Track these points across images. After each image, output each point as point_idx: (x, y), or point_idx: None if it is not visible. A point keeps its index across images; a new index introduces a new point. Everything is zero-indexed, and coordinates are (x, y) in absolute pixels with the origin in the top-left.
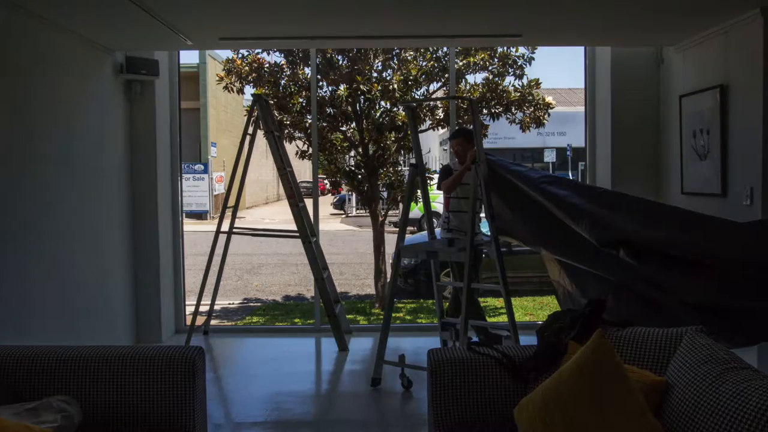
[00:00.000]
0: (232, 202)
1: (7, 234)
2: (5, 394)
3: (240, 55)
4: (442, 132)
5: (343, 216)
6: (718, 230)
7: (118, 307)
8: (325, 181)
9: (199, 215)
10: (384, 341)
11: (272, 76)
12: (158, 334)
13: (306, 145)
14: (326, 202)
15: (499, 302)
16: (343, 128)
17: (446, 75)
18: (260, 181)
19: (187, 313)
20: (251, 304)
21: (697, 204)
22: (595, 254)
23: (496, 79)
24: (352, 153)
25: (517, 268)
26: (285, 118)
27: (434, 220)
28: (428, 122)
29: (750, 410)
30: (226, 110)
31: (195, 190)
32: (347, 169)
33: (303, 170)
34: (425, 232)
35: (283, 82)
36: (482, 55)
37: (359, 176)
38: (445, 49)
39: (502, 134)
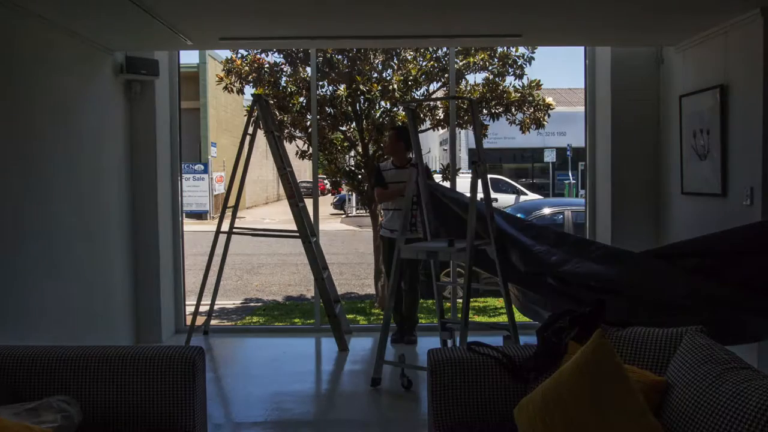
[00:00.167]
0: (232, 202)
1: (6, 234)
2: (5, 394)
3: (240, 55)
4: (442, 132)
5: (343, 216)
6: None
7: (118, 307)
8: (325, 181)
9: (199, 215)
10: (384, 341)
11: (272, 76)
12: (158, 334)
13: (306, 145)
14: (326, 202)
15: (499, 302)
16: (343, 128)
17: (446, 75)
18: (260, 181)
19: (187, 313)
20: (251, 304)
21: (697, 204)
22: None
23: (497, 79)
24: (352, 153)
25: None
26: (285, 118)
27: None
28: (428, 122)
29: (750, 410)
30: (226, 110)
31: (195, 190)
32: (347, 169)
33: (303, 170)
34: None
35: (283, 82)
36: (482, 55)
37: (359, 176)
38: (445, 49)
39: (502, 134)
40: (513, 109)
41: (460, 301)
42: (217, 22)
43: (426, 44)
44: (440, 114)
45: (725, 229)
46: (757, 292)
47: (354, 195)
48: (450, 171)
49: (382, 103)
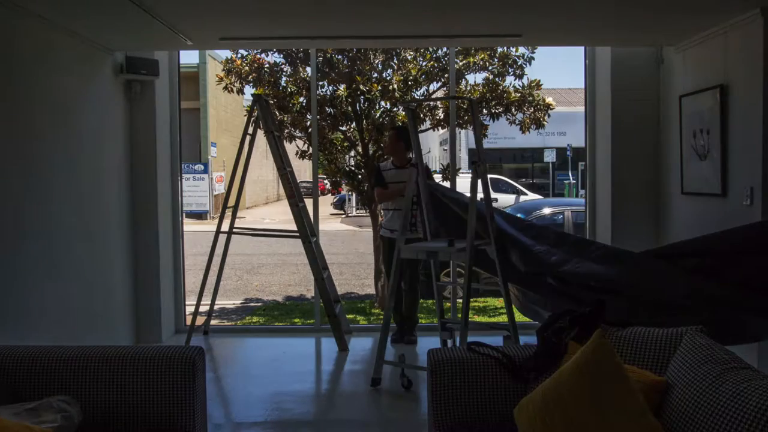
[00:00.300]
0: (232, 202)
1: (6, 234)
2: (5, 394)
3: (240, 55)
4: (442, 132)
5: (343, 216)
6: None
7: (118, 307)
8: (325, 181)
9: (199, 215)
10: (384, 341)
11: (272, 76)
12: (158, 334)
13: (306, 145)
14: (326, 202)
15: (499, 302)
16: (343, 128)
17: (446, 75)
18: (260, 181)
19: (187, 313)
20: (251, 304)
21: (697, 204)
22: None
23: (497, 79)
24: (352, 153)
25: None
26: (285, 118)
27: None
28: (428, 122)
29: (750, 410)
30: (226, 110)
31: (195, 190)
32: (347, 169)
33: (303, 170)
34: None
35: (283, 82)
36: (482, 55)
37: (359, 176)
38: (445, 49)
39: (502, 134)
40: (513, 109)
41: (460, 301)
42: (217, 22)
43: (426, 44)
44: (440, 114)
45: (725, 229)
46: (756, 292)
47: (354, 195)
48: (450, 171)
49: (382, 103)
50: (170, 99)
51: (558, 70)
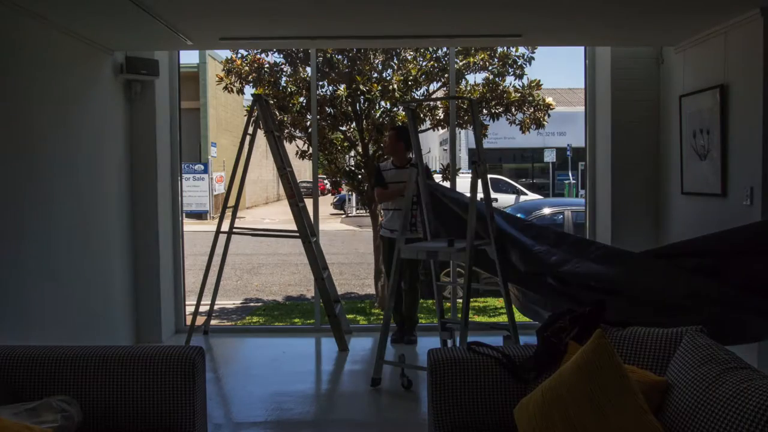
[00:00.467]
0: (232, 202)
1: (6, 234)
2: (5, 394)
3: (240, 55)
4: (442, 132)
5: (343, 216)
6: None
7: (118, 307)
8: (325, 181)
9: (199, 215)
10: (384, 341)
11: (272, 76)
12: (158, 334)
13: (306, 145)
14: (326, 202)
15: (499, 302)
16: (343, 128)
17: (446, 75)
18: (260, 181)
19: (187, 313)
20: (251, 304)
21: (697, 204)
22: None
23: (497, 79)
24: (352, 153)
25: None
26: (285, 118)
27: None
28: (428, 122)
29: (750, 410)
30: (226, 110)
31: (195, 190)
32: (347, 169)
33: (303, 170)
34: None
35: (283, 82)
36: (482, 55)
37: (359, 176)
38: (445, 49)
39: (502, 134)
40: (513, 109)
41: (460, 300)
42: (217, 22)
43: (426, 44)
44: (440, 114)
45: (725, 229)
46: (757, 293)
47: (354, 195)
48: (450, 171)
49: (382, 103)
50: (170, 99)
51: (558, 70)
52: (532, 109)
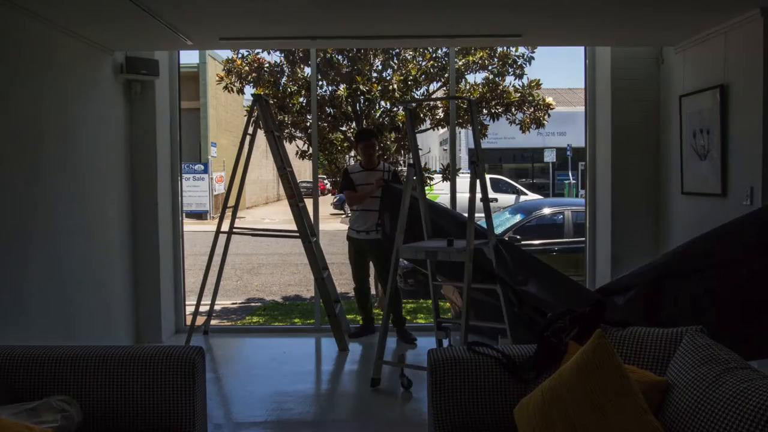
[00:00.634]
0: (232, 202)
1: (6, 234)
2: (5, 394)
3: (240, 55)
4: (442, 132)
5: (343, 216)
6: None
7: (118, 307)
8: (325, 181)
9: (199, 215)
10: (383, 341)
11: (272, 76)
12: (158, 334)
13: (306, 145)
14: (326, 202)
15: None
16: (343, 128)
17: (446, 75)
18: (260, 181)
19: (187, 313)
20: (251, 304)
21: (697, 204)
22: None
23: (497, 79)
24: (352, 153)
25: None
26: (285, 118)
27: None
28: (428, 122)
29: (750, 410)
30: (226, 110)
31: (195, 190)
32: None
33: (303, 170)
34: None
35: (283, 82)
36: (480, 54)
37: None
38: (444, 49)
39: (502, 134)
40: (513, 109)
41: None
42: (217, 22)
43: (426, 44)
44: (440, 114)
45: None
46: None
47: None
48: (450, 171)
49: (382, 103)
50: (170, 99)
51: (558, 70)
52: (532, 109)
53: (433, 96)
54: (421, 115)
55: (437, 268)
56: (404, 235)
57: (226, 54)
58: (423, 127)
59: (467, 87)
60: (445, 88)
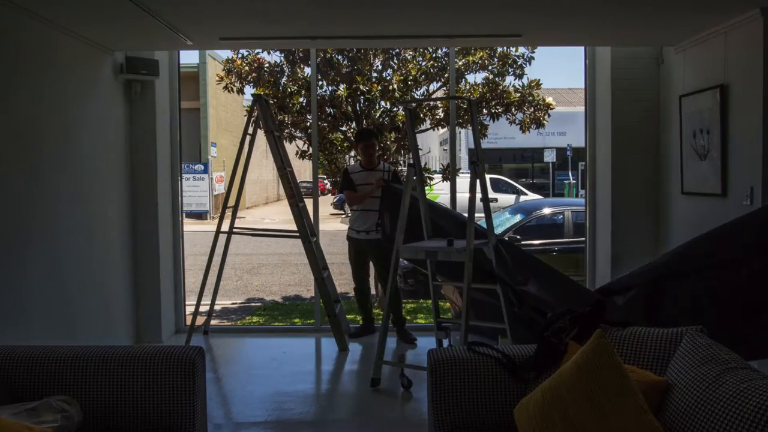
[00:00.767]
0: (232, 202)
1: (6, 234)
2: (5, 394)
3: (240, 55)
4: (442, 132)
5: (343, 216)
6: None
7: (118, 307)
8: (325, 181)
9: (199, 215)
10: (383, 341)
11: (272, 76)
12: (158, 334)
13: (306, 145)
14: (326, 202)
15: None
16: (343, 128)
17: (446, 75)
18: (260, 181)
19: (187, 313)
20: (251, 304)
21: (697, 204)
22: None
23: (497, 79)
24: (352, 153)
25: None
26: (285, 118)
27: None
28: (428, 122)
29: (750, 410)
30: (226, 110)
31: (195, 190)
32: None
33: (303, 170)
34: None
35: (283, 82)
36: (480, 54)
37: None
38: (444, 49)
39: (502, 134)
40: (513, 109)
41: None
42: (217, 22)
43: (426, 44)
44: (440, 114)
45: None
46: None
47: None
48: (450, 171)
49: (382, 103)
50: (170, 99)
51: (558, 70)
52: (532, 109)
53: (433, 96)
54: (421, 115)
55: (437, 268)
56: (404, 235)
57: (226, 54)
58: (423, 127)
59: (467, 87)
60: (445, 88)
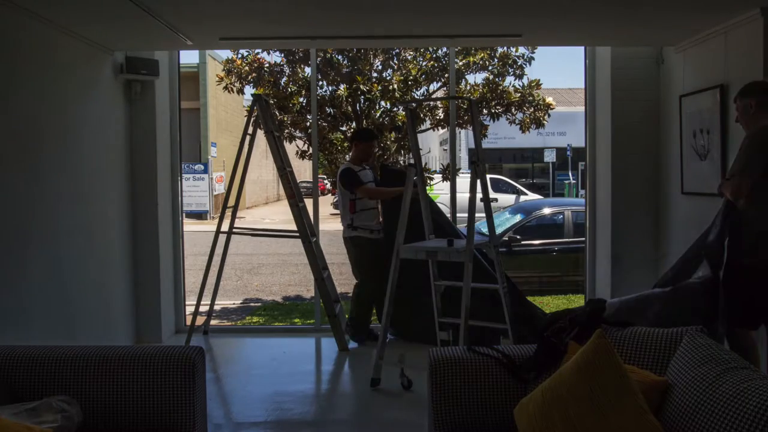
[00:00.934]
0: (232, 202)
1: (6, 234)
2: (5, 394)
3: (240, 55)
4: (442, 132)
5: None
6: None
7: (118, 307)
8: (325, 181)
9: (199, 215)
10: (383, 341)
11: (272, 76)
12: (158, 334)
13: (306, 145)
14: (326, 202)
15: None
16: (343, 128)
17: (446, 75)
18: (260, 181)
19: (187, 313)
20: (251, 304)
21: (697, 204)
22: None
23: (497, 79)
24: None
25: (517, 268)
26: (285, 118)
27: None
28: (428, 122)
29: (750, 410)
30: (226, 110)
31: (195, 190)
32: None
33: (303, 170)
34: None
35: (283, 82)
36: (481, 54)
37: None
38: (445, 49)
39: (502, 134)
40: (513, 109)
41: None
42: (217, 22)
43: (426, 44)
44: (440, 114)
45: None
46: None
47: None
48: (450, 171)
49: (382, 103)
50: (170, 99)
51: (558, 70)
52: (532, 109)
53: (434, 96)
54: (422, 115)
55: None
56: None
57: (226, 54)
58: (423, 127)
59: (467, 87)
60: (445, 88)
